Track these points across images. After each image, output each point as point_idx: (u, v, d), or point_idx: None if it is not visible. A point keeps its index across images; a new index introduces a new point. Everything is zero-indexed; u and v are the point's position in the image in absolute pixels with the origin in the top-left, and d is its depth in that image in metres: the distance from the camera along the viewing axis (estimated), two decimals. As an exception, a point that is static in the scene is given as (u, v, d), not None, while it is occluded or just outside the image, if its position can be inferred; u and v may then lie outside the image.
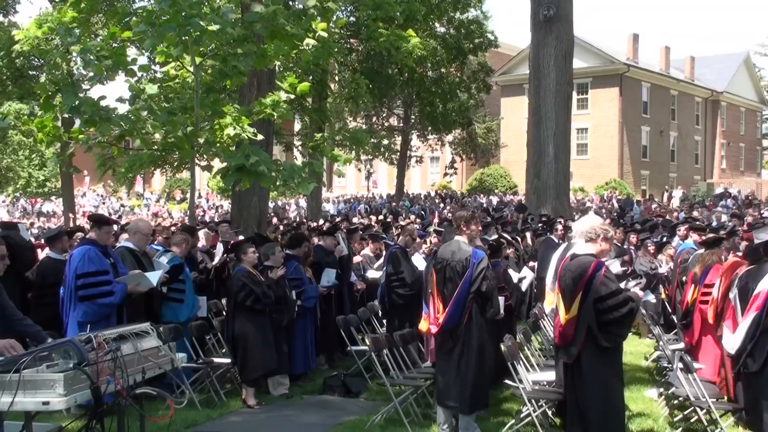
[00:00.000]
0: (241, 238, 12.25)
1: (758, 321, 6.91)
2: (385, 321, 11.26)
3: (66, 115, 11.65)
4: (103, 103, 10.71)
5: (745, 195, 37.36)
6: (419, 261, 10.85)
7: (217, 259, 11.25)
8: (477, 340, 7.21)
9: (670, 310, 11.91)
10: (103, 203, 46.61)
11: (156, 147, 12.81)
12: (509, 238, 13.11)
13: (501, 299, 7.89)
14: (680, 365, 7.58)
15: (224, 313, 10.18)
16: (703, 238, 10.56)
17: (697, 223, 14.77)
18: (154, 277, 8.36)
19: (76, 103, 10.47)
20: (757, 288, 7.04)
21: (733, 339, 7.11)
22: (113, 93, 11.10)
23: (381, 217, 28.38)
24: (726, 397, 7.92)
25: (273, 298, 8.95)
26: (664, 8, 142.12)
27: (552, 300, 6.88)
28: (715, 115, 59.86)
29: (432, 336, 7.42)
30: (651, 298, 11.52)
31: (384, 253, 12.31)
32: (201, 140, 11.33)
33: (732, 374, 7.49)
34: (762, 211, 26.67)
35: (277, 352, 9.04)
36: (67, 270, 8.20)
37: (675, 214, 27.82)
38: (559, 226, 14.91)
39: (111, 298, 8.05)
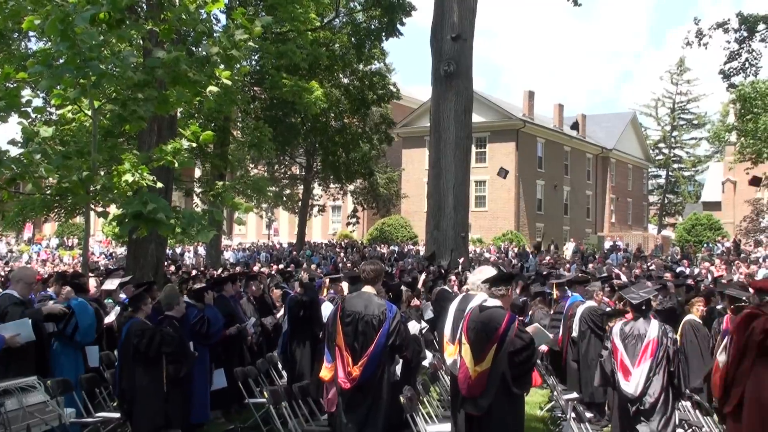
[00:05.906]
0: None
1: (652, 365, 7.76)
2: (284, 372, 11.11)
3: (-48, 158, 11.11)
4: (-8, 145, 10.31)
5: (634, 249, 38.95)
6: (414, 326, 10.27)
7: (113, 317, 10.92)
8: (387, 394, 7.12)
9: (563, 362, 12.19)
10: (-12, 248, 44.48)
11: (49, 192, 12.38)
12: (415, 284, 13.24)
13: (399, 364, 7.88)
14: (573, 415, 7.80)
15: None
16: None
17: (581, 276, 15.05)
18: (25, 328, 8.01)
19: (-36, 145, 10.04)
20: (645, 339, 7.84)
21: (632, 383, 7.77)
22: (5, 135, 10.66)
23: (282, 266, 28.16)
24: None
25: (177, 339, 8.61)
26: (558, 68, 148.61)
27: (452, 351, 6.89)
28: (605, 172, 62.60)
29: (340, 388, 7.19)
30: None
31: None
32: (97, 186, 11.01)
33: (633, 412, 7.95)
34: (649, 264, 27.86)
35: (172, 405, 8.71)
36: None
37: (567, 266, 28.74)
38: (453, 277, 15.20)
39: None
